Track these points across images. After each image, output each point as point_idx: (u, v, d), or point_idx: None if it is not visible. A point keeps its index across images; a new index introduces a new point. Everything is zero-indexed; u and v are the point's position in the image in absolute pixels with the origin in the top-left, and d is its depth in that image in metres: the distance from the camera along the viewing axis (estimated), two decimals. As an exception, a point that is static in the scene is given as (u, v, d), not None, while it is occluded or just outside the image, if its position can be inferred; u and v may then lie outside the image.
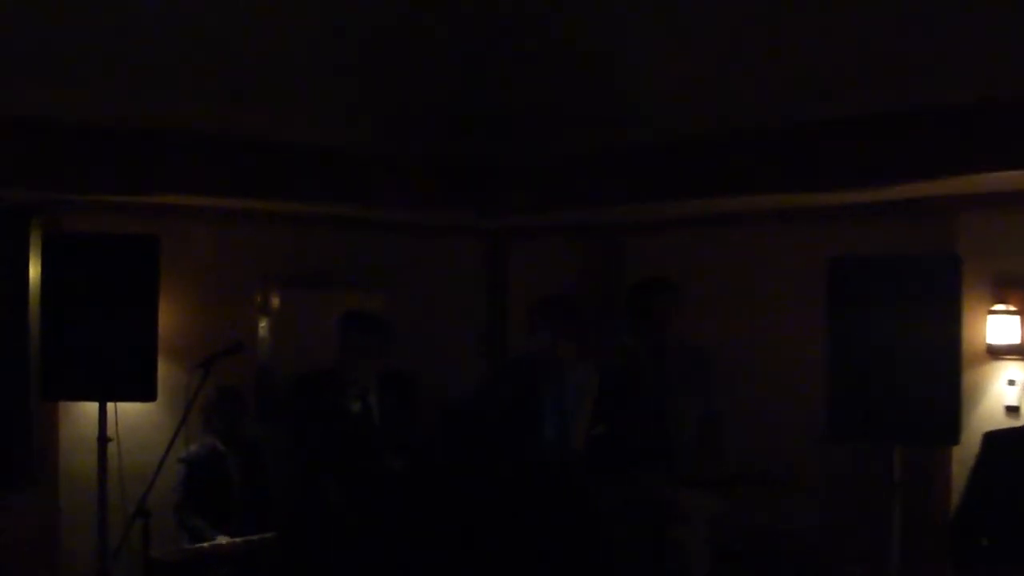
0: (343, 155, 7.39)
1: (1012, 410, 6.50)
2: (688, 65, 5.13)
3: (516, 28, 4.56)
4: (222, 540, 6.52)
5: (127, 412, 6.83)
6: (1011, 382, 6.55)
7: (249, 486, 6.94)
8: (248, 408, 7.18)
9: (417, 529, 5.58)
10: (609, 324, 7.93)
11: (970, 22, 4.37)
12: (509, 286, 9.20)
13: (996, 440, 5.31)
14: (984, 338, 6.59)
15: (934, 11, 4.25)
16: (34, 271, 6.74)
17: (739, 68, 5.18)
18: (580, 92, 5.74)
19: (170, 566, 6.21)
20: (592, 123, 6.57)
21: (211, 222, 7.68)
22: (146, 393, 6.40)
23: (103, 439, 6.54)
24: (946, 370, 5.59)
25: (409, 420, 6.72)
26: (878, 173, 6.08)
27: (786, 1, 4.20)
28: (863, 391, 5.76)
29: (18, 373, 6.73)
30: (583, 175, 7.60)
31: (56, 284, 6.34)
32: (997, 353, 6.58)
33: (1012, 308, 6.53)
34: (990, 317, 6.57)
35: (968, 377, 6.34)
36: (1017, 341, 6.52)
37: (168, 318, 7.17)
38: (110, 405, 6.52)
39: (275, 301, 8.06)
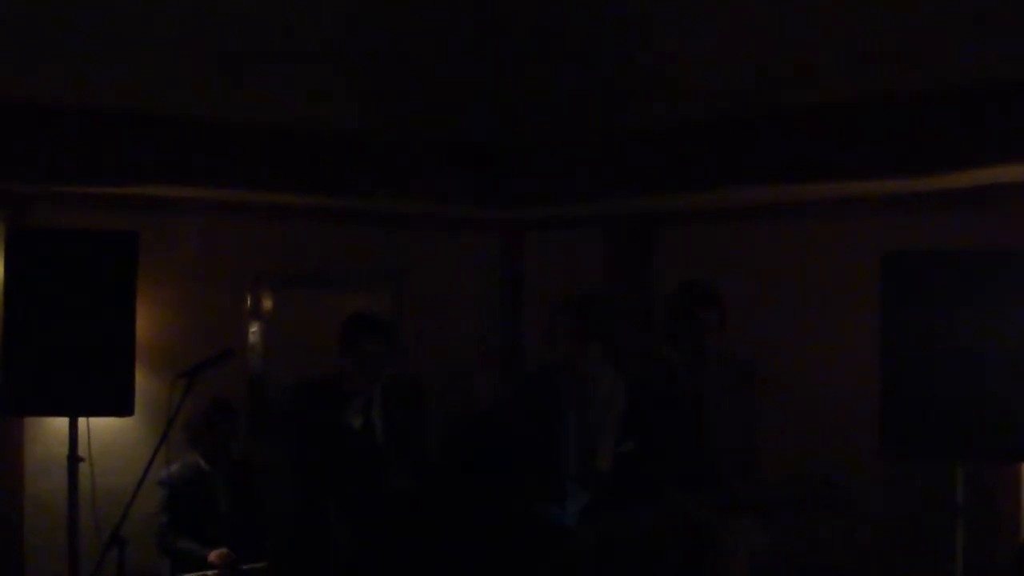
0: (343, 141, 7.40)
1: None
2: (728, 36, 5.13)
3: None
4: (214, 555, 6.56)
5: (101, 429, 6.80)
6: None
7: (238, 510, 6.90)
8: (238, 423, 7.12)
9: (425, 557, 5.58)
10: (638, 327, 8.01)
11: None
12: (526, 285, 9.25)
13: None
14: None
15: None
16: (-3, 271, 6.74)
17: (785, 41, 5.19)
18: (604, 67, 5.76)
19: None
20: (618, 102, 6.58)
21: (196, 216, 7.68)
22: (122, 407, 6.29)
23: (74, 459, 6.43)
24: (1018, 378, 5.55)
25: (417, 435, 6.69)
26: (941, 158, 6.08)
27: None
28: (922, 402, 5.74)
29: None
30: (608, 160, 7.61)
31: (21, 285, 6.25)
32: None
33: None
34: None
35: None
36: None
37: (147, 323, 7.15)
38: (81, 421, 6.41)
39: (268, 303, 8.08)
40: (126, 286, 6.31)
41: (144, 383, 6.77)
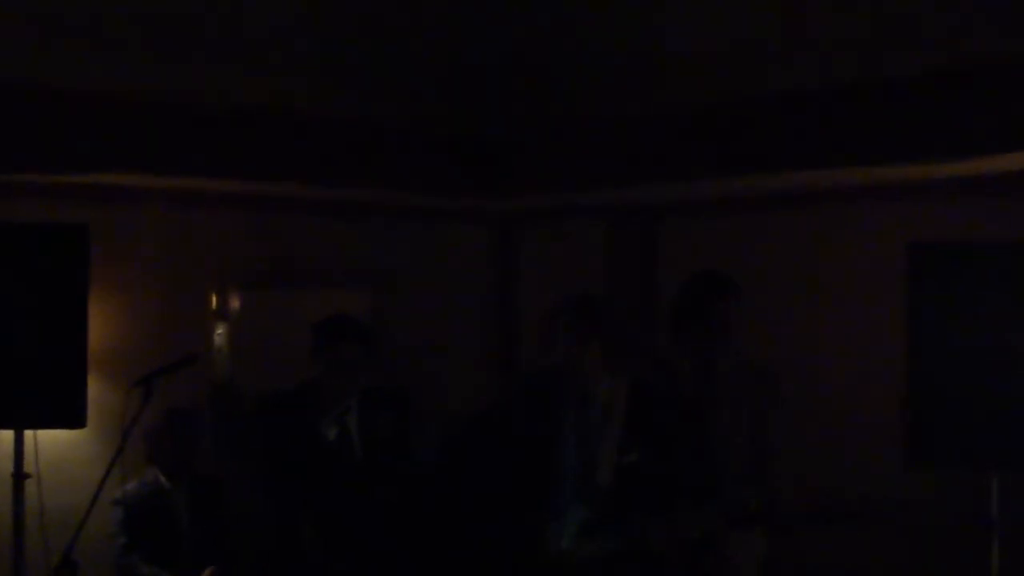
0: (319, 125, 7.39)
1: None
2: (738, 14, 5.25)
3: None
4: None
5: (49, 442, 6.75)
6: None
7: (202, 531, 6.87)
8: (201, 435, 7.12)
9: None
10: (642, 328, 8.08)
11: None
12: (521, 283, 9.25)
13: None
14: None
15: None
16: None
17: (798, 19, 5.30)
18: (605, 47, 5.84)
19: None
20: (620, 84, 6.62)
21: (155, 207, 7.63)
22: (73, 419, 6.28)
23: (19, 475, 6.44)
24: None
25: (398, 448, 6.68)
26: (968, 141, 6.07)
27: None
28: (952, 407, 5.78)
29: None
30: (609, 146, 7.62)
31: (-40, 286, 6.31)
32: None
33: None
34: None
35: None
36: None
37: (101, 325, 7.12)
38: (28, 434, 6.42)
39: (235, 303, 8.06)
40: (76, 285, 6.28)
41: (97, 392, 6.72)
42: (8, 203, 6.85)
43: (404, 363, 8.17)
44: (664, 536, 5.72)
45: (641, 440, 5.85)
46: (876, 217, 7.30)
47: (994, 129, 5.96)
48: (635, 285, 8.49)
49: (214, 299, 7.96)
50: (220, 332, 7.96)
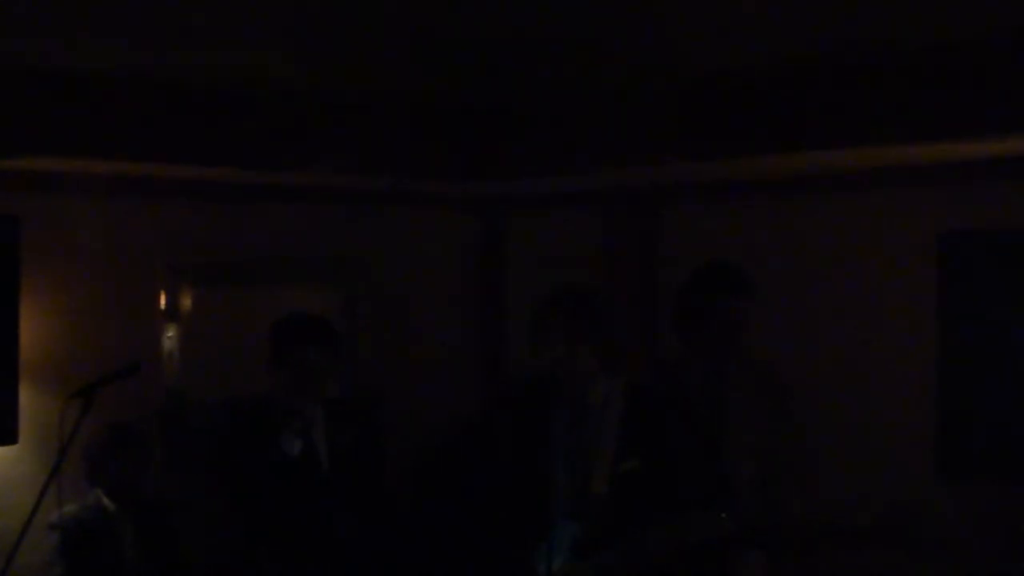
0: (278, 101, 7.37)
1: None
2: None
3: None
4: None
5: (-24, 460, 6.80)
6: None
7: (149, 560, 6.86)
8: (150, 452, 7.09)
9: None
10: (641, 325, 8.10)
11: None
12: (510, 276, 9.27)
13: None
14: None
15: None
16: None
17: None
18: (602, 15, 5.74)
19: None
20: (618, 55, 6.56)
21: (95, 196, 7.63)
22: (2, 434, 6.43)
23: (-57, 498, 6.53)
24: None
25: (371, 464, 6.67)
26: (1007, 118, 6.01)
27: None
28: (988, 413, 6.01)
29: None
30: (606, 125, 7.60)
31: None
32: None
33: None
34: None
35: None
36: None
37: (34, 329, 7.17)
38: (-47, 452, 6.53)
39: (186, 302, 8.08)
40: (6, 284, 6.40)
41: (30, 404, 6.79)
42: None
43: (377, 368, 8.16)
44: (666, 550, 5.69)
45: (640, 447, 5.82)
46: (903, 203, 7.29)
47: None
48: (633, 278, 8.50)
49: (163, 297, 7.96)
50: (170, 334, 7.97)
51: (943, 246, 5.92)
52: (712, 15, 5.78)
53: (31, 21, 5.57)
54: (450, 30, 6.17)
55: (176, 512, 7.00)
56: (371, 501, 6.45)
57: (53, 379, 7.06)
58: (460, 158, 8.11)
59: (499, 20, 6.00)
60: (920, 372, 6.09)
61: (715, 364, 6.19)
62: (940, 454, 5.98)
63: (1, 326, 6.29)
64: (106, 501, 6.82)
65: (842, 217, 7.65)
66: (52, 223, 7.36)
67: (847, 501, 6.57)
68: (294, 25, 6.09)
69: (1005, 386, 5.82)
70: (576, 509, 5.83)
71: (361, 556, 6.27)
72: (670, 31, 6.09)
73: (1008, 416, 5.83)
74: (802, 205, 7.83)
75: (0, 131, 6.58)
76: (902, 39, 6.14)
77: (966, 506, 6.90)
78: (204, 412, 7.13)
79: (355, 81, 7.30)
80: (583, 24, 6.00)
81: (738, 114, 7.00)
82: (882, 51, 6.31)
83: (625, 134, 7.51)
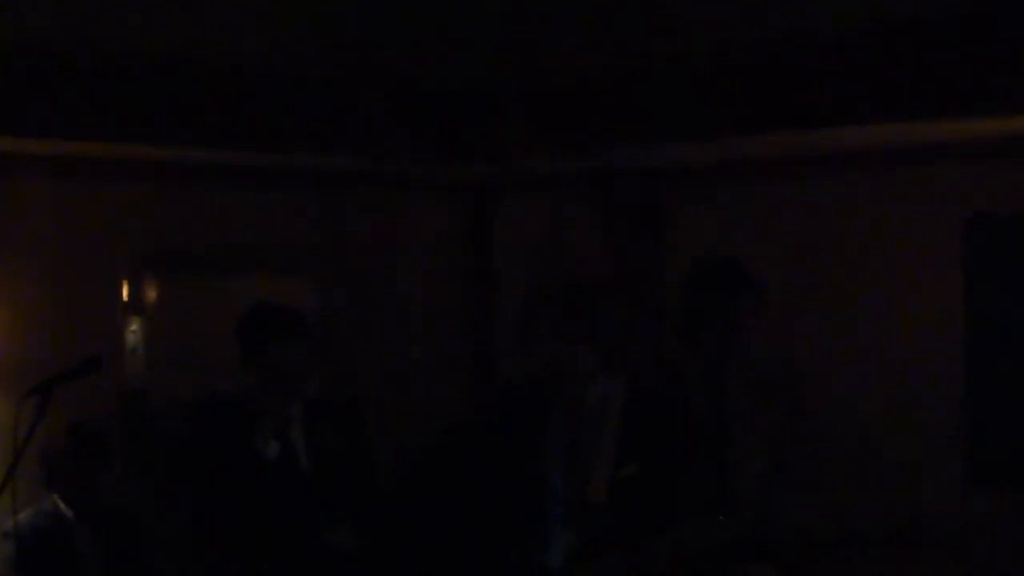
0: (251, 79, 7.41)
1: None
2: None
3: None
4: None
5: (-75, 464, 6.83)
6: None
7: (111, 571, 6.86)
8: (110, 455, 7.07)
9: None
10: (644, 320, 8.06)
11: None
12: (498, 265, 9.25)
13: None
14: None
15: None
16: None
17: None
18: None
19: None
20: (616, 24, 6.58)
21: (50, 177, 7.63)
22: None
23: None
24: None
25: (357, 466, 6.55)
26: None
27: None
28: (1019, 412, 5.63)
29: None
30: (603, 99, 7.65)
31: None
32: None
33: None
34: None
35: None
36: None
37: None
38: (-101, 455, 6.48)
39: (151, 293, 8.09)
40: None
41: None
42: None
43: (354, 365, 8.17)
44: (665, 560, 5.67)
45: (640, 452, 5.80)
46: (926, 185, 7.32)
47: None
48: (635, 269, 8.52)
49: (125, 288, 7.97)
50: (134, 328, 7.98)
51: (970, 231, 5.91)
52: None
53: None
54: (436, 9, 6.21)
55: (140, 520, 6.99)
56: (360, 505, 6.35)
57: (6, 376, 7.09)
58: (444, 139, 8.15)
59: (491, 7, 6.06)
60: (946, 367, 6.08)
61: (718, 365, 6.18)
62: (970, 459, 5.99)
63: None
64: (63, 507, 6.82)
65: (860, 200, 7.66)
66: (3, 208, 7.37)
67: (867, 508, 6.67)
68: (270, 1, 6.14)
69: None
70: (573, 517, 5.81)
71: (352, 564, 6.19)
72: (671, 7, 6.15)
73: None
74: (816, 187, 7.86)
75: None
76: (921, 12, 6.20)
77: (998, 514, 6.90)
78: (170, 412, 7.10)
79: (332, 59, 7.33)
80: (576, 8, 6.06)
81: (744, 91, 7.06)
82: (897, 25, 6.35)
83: (623, 111, 7.57)
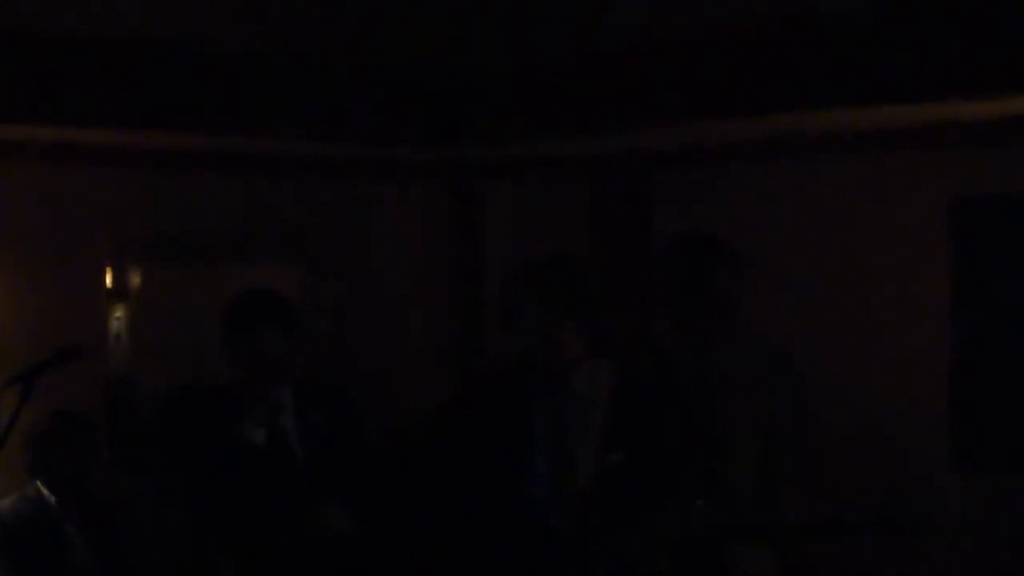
0: (235, 62, 7.40)
1: None
2: None
3: None
4: None
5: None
6: None
7: (96, 560, 6.86)
8: (96, 444, 7.09)
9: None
10: (630, 302, 7.99)
11: None
12: (487, 251, 9.25)
13: None
14: None
15: None
16: None
17: None
18: None
19: None
20: (603, 10, 6.68)
21: (33, 162, 7.64)
22: None
23: None
24: None
25: (352, 450, 6.47)
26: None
27: None
28: (1006, 396, 5.90)
29: None
30: (592, 82, 7.65)
31: None
32: None
33: None
34: None
35: None
36: None
37: None
38: None
39: (135, 280, 8.08)
40: None
41: None
42: None
43: (344, 352, 8.22)
44: (645, 544, 5.71)
45: (628, 438, 5.81)
46: (913, 167, 7.28)
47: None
48: (623, 253, 8.50)
49: (109, 275, 7.96)
50: (118, 316, 7.96)
51: (957, 213, 5.90)
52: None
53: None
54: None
55: (125, 508, 6.99)
56: (356, 490, 6.29)
57: (-12, 364, 7.13)
58: (431, 123, 8.14)
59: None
60: (933, 350, 6.07)
61: (708, 342, 6.14)
62: (956, 443, 5.97)
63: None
64: (46, 493, 6.82)
65: (847, 183, 7.64)
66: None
67: (855, 491, 6.66)
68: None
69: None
70: (559, 505, 5.83)
71: (348, 548, 6.14)
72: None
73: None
74: (804, 169, 7.82)
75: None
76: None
77: (986, 500, 6.91)
78: (155, 400, 7.10)
79: (318, 44, 7.32)
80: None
81: (734, 73, 7.04)
82: (882, 6, 6.36)
83: (613, 94, 7.55)
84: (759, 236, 7.37)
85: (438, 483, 6.44)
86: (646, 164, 8.54)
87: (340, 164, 8.68)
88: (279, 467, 6.16)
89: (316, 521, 6.08)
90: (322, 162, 8.58)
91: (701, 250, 6.15)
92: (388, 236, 8.94)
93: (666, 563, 5.67)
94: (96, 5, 6.31)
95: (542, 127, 7.93)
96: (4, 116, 6.85)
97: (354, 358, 8.19)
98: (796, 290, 7.58)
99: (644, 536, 5.69)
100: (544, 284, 6.02)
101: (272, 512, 6.08)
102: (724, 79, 7.10)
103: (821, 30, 6.63)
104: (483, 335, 9.06)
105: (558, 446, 5.93)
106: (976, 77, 6.17)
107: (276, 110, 7.59)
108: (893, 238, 7.31)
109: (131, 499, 7.00)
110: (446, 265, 9.24)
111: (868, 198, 7.53)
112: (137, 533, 6.94)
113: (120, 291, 7.97)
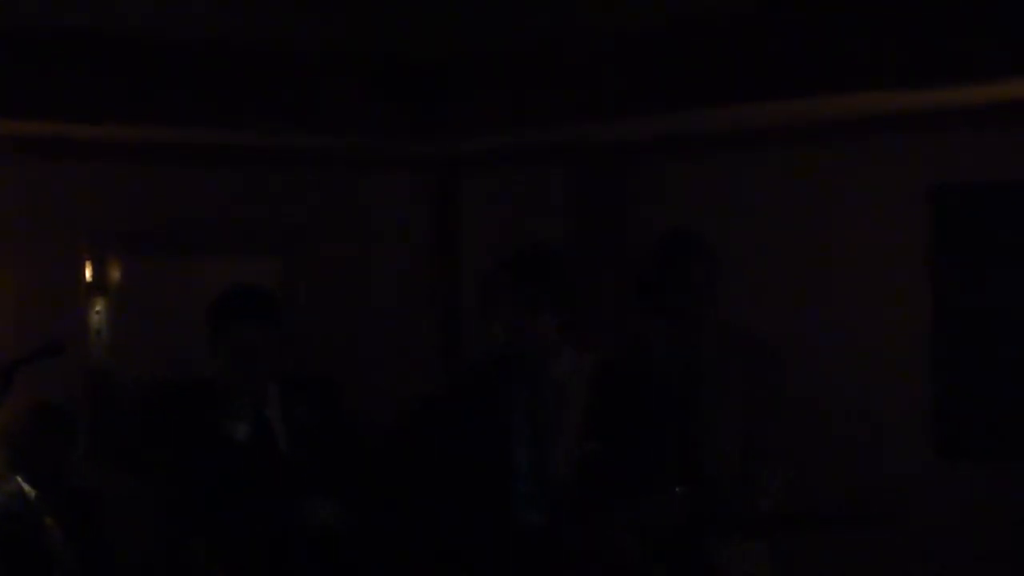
0: (210, 52, 7.37)
1: None
2: None
3: None
4: None
5: None
6: None
7: (77, 555, 6.82)
8: (75, 436, 7.02)
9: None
10: (607, 291, 8.02)
11: None
12: (465, 242, 9.24)
13: None
14: None
15: None
16: None
17: None
18: None
19: None
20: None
21: (11, 154, 7.61)
22: None
23: None
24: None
25: (338, 442, 6.41)
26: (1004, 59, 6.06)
27: None
28: (986, 385, 5.98)
29: None
30: (568, 73, 7.64)
31: None
32: None
33: None
34: None
35: None
36: None
37: None
38: None
39: (115, 273, 8.07)
40: None
41: None
42: None
43: (324, 344, 8.17)
44: (623, 533, 5.68)
45: (606, 428, 5.78)
46: (891, 154, 7.30)
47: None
48: (601, 242, 8.51)
49: (88, 269, 7.94)
50: (98, 309, 7.95)
51: (935, 200, 5.90)
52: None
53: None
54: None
55: (106, 504, 6.96)
56: (342, 482, 6.23)
57: (-32, 359, 7.12)
58: (408, 114, 8.08)
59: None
60: (913, 340, 6.07)
61: (684, 338, 6.17)
62: (938, 430, 5.98)
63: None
64: (27, 488, 6.76)
65: (825, 171, 7.64)
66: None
67: (836, 482, 6.66)
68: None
69: (1004, 353, 5.82)
70: (537, 494, 5.81)
71: (336, 541, 6.06)
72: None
73: (1009, 387, 5.82)
74: (781, 158, 7.83)
75: None
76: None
77: (968, 488, 6.90)
78: (135, 394, 7.08)
79: (296, 35, 7.30)
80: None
81: (709, 62, 7.03)
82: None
83: (588, 85, 7.54)
84: (735, 226, 7.41)
85: (419, 477, 6.42)
86: (621, 155, 8.54)
87: (320, 157, 8.66)
88: (264, 461, 6.09)
89: (302, 515, 6.03)
90: (302, 155, 8.56)
91: (676, 244, 6.18)
92: (368, 227, 8.92)
93: (645, 552, 5.64)
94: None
95: (519, 118, 7.92)
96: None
97: (332, 349, 8.17)
98: (775, 279, 7.58)
99: (623, 525, 5.67)
100: (521, 275, 6.03)
101: (258, 506, 6.02)
102: (700, 68, 7.09)
103: (793, 17, 6.63)
104: (462, 325, 9.05)
105: (537, 437, 5.90)
106: (949, 63, 6.18)
107: (253, 101, 7.57)
108: (872, 226, 7.31)
109: (112, 493, 6.93)
110: (425, 255, 9.21)
111: (846, 186, 7.53)
112: (118, 527, 6.87)
113: (99, 284, 7.96)
